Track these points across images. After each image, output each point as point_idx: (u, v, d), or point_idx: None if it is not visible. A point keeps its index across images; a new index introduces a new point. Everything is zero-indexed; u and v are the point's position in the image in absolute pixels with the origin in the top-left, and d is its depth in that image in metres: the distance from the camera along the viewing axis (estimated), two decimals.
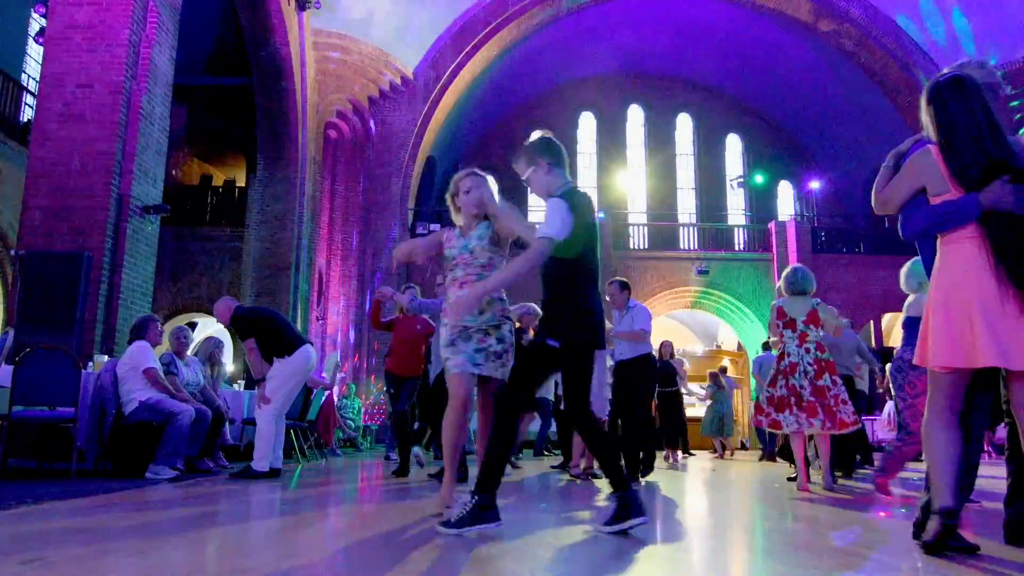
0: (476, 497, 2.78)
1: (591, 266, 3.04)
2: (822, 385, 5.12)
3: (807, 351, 5.21)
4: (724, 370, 12.73)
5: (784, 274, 5.68)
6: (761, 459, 7.91)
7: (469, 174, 3.58)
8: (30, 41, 15.29)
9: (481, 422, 3.42)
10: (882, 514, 3.93)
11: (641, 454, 6.19)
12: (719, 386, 11.41)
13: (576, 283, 2.98)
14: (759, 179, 22.09)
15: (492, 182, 3.62)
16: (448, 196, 3.63)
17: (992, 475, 6.45)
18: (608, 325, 6.20)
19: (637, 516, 2.78)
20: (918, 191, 2.56)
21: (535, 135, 3.26)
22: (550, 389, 7.91)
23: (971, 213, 2.40)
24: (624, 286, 6.37)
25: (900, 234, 2.61)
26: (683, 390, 10.17)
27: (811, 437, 5.68)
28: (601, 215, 20.77)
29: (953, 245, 2.47)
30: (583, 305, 2.96)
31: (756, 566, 2.46)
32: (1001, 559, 2.40)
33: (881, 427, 11.91)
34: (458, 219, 3.57)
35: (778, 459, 7.84)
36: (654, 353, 6.66)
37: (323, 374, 10.85)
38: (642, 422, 6.22)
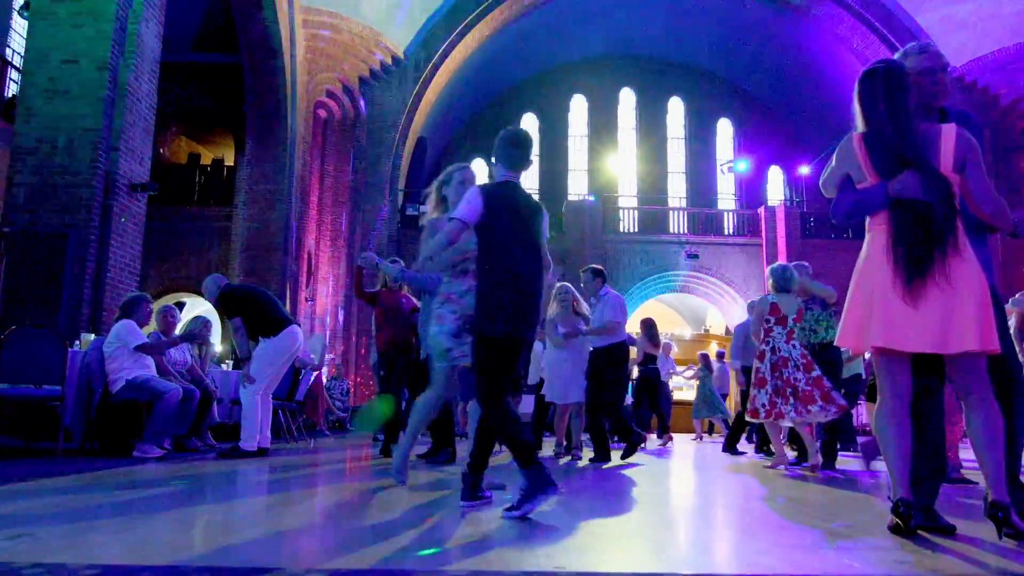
0: (524, 473, 2.78)
1: (509, 258, 2.99)
2: (816, 376, 5.32)
3: (794, 346, 5.42)
4: (721, 355, 12.72)
5: (773, 270, 5.77)
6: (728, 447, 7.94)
7: (461, 168, 3.80)
8: (14, 15, 15.04)
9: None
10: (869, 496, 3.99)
11: (618, 440, 6.22)
12: (708, 368, 11.45)
13: (491, 275, 3.00)
14: (742, 166, 22.09)
15: (468, 178, 3.83)
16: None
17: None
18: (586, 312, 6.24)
19: (546, 491, 2.74)
20: (845, 177, 2.63)
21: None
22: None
23: (879, 201, 2.49)
24: (597, 273, 6.27)
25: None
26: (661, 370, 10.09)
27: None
28: (592, 198, 20.78)
29: (873, 232, 2.56)
30: (494, 296, 2.96)
31: (743, 545, 2.49)
32: (976, 539, 2.44)
33: (870, 412, 11.99)
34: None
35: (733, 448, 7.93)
36: (628, 342, 6.62)
37: (310, 355, 10.84)
38: (612, 409, 6.22)
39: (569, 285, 6.29)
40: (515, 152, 3.20)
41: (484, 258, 3.04)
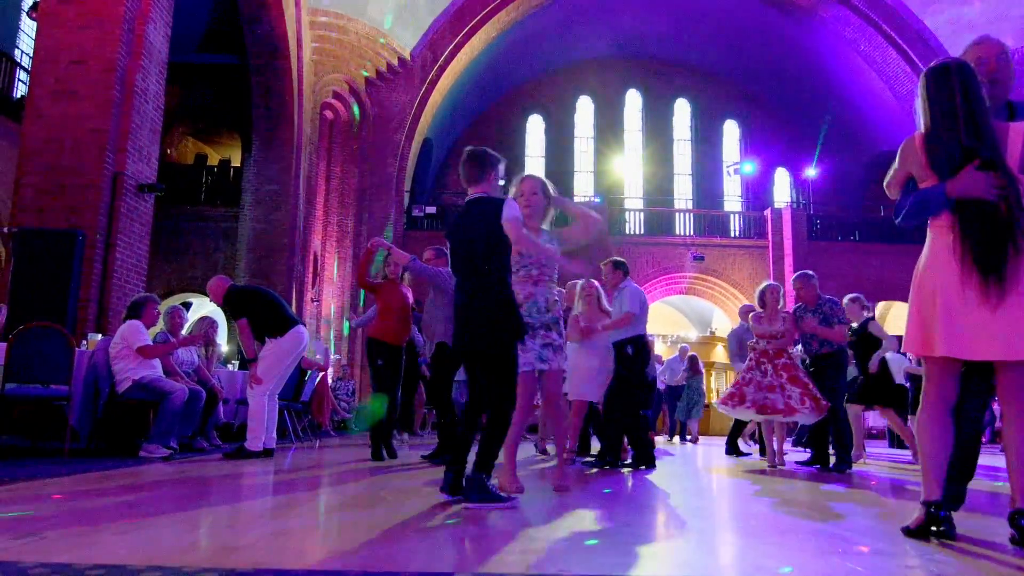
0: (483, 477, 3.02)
1: (455, 274, 3.42)
2: (803, 379, 5.75)
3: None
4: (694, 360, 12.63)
5: (764, 290, 6.20)
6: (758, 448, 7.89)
7: (526, 178, 3.86)
8: (23, 16, 15.12)
9: (544, 412, 3.87)
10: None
11: (628, 444, 5.93)
12: (695, 370, 11.40)
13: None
14: (748, 168, 22.02)
15: (550, 186, 3.88)
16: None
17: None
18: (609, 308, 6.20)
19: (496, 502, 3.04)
20: (908, 178, 2.56)
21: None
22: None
23: (940, 202, 2.40)
24: (617, 266, 6.16)
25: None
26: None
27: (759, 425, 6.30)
28: (597, 199, 20.76)
29: (934, 233, 2.48)
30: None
31: (746, 550, 2.49)
32: (984, 542, 2.43)
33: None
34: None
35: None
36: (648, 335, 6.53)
37: (317, 356, 10.85)
38: (625, 408, 5.80)
39: (595, 281, 6.21)
40: (462, 168, 3.47)
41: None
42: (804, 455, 7.06)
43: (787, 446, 6.08)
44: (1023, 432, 2.35)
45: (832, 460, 6.00)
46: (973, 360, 2.38)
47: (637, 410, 5.93)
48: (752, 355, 6.11)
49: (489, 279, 3.24)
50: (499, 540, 2.40)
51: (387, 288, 6.08)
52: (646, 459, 5.69)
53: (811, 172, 21.61)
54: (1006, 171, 2.33)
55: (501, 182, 3.54)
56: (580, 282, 6.06)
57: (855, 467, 6.24)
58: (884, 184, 2.69)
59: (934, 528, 2.40)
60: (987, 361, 2.41)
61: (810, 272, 6.34)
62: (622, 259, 6.32)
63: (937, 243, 2.44)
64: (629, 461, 5.77)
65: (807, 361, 6.17)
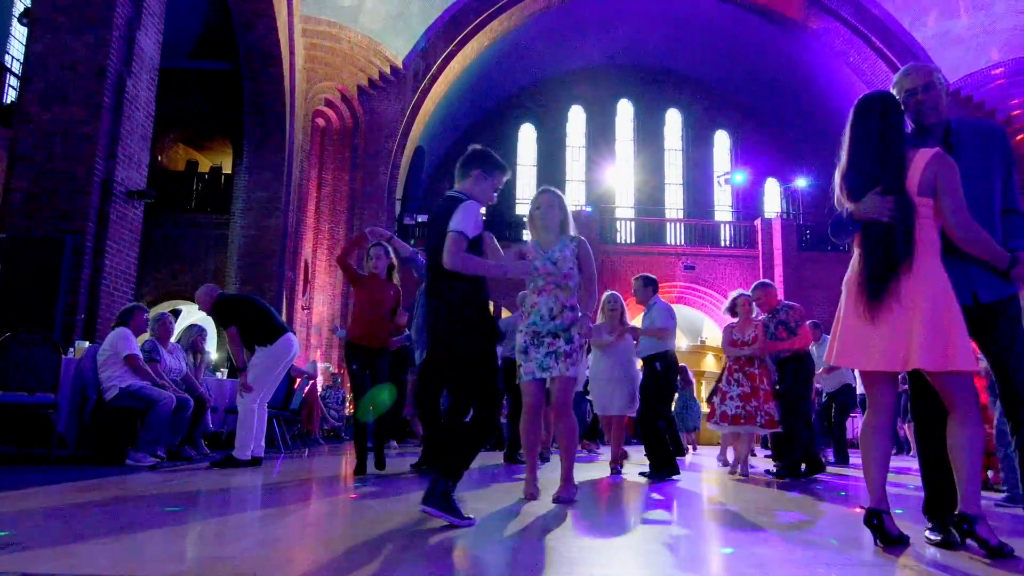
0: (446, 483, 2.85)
1: (427, 273, 3.37)
2: (768, 388, 5.99)
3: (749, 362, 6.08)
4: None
5: (736, 299, 6.36)
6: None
7: (545, 191, 3.95)
8: (14, 22, 15.06)
9: (525, 413, 3.88)
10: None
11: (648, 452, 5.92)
12: (686, 381, 11.41)
13: None
14: (739, 178, 22.13)
15: (565, 200, 4.00)
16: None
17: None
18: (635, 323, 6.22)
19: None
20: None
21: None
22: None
23: (847, 224, 2.64)
24: (647, 282, 6.11)
25: None
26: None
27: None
28: (589, 208, 20.81)
29: (855, 253, 2.69)
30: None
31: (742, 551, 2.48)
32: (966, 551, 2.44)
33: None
34: (535, 234, 3.98)
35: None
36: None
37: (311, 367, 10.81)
38: (650, 420, 5.72)
39: (618, 294, 6.25)
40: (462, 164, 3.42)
41: None
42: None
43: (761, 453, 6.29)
44: (961, 433, 2.46)
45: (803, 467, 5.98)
46: (868, 369, 2.56)
47: (656, 420, 5.89)
48: (727, 364, 6.24)
49: (454, 281, 3.11)
50: (489, 549, 2.38)
51: (369, 284, 5.53)
52: (669, 466, 5.61)
53: (801, 182, 21.73)
54: (901, 197, 2.50)
55: (495, 192, 3.40)
56: (606, 294, 6.15)
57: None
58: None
59: (875, 533, 2.50)
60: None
61: (767, 280, 6.57)
62: (652, 276, 6.32)
63: (853, 263, 2.66)
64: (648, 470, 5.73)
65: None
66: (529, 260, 3.72)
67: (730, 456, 7.10)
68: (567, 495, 3.69)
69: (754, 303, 6.27)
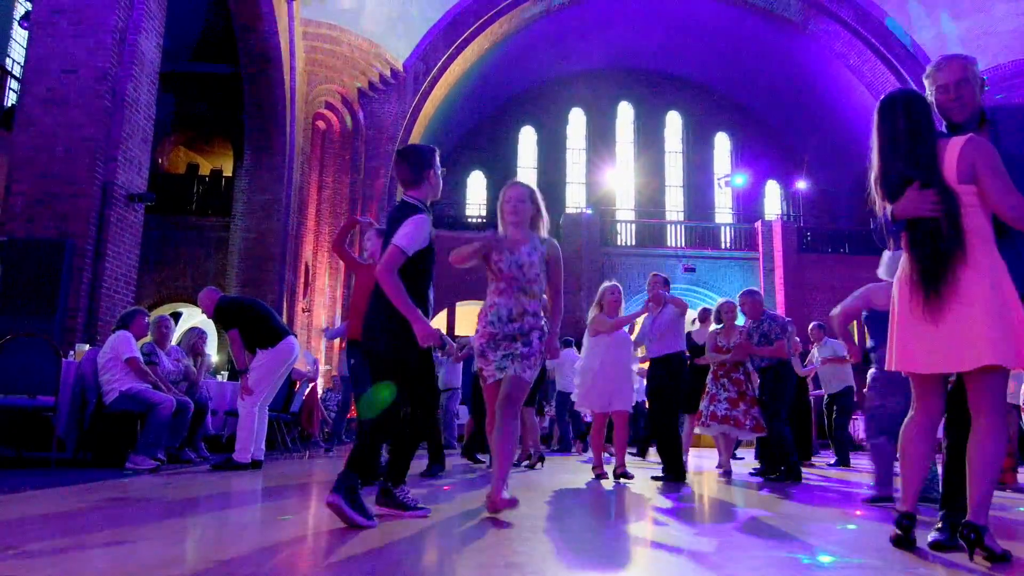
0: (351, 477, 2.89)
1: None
2: (751, 394, 6.15)
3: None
4: None
5: (720, 306, 6.56)
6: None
7: (514, 184, 3.62)
8: (15, 25, 15.08)
9: (489, 416, 3.55)
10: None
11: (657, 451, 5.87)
12: None
13: None
14: (739, 180, 22.15)
15: (539, 195, 3.60)
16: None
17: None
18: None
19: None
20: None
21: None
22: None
23: (891, 224, 2.52)
24: (666, 282, 6.25)
25: None
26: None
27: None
28: (589, 211, 20.82)
29: (902, 254, 2.58)
30: None
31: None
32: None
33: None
34: (503, 229, 3.55)
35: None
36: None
37: (308, 368, 10.80)
38: (664, 422, 5.74)
39: (618, 285, 6.19)
40: (395, 169, 3.45)
41: None
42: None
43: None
44: (984, 443, 2.39)
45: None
46: (931, 373, 2.46)
47: (673, 423, 5.92)
48: (712, 369, 6.40)
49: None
50: (488, 550, 2.38)
51: (370, 270, 4.87)
52: (675, 470, 5.61)
53: (801, 184, 21.75)
54: (942, 187, 2.41)
55: (441, 171, 3.39)
56: (606, 284, 6.10)
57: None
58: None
59: (902, 536, 2.47)
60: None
61: (755, 289, 6.59)
62: (666, 276, 6.43)
63: (903, 263, 2.56)
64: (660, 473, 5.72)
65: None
66: (470, 254, 3.49)
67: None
68: (500, 500, 3.32)
69: (740, 309, 6.35)
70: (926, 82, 2.72)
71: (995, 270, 2.35)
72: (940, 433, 2.72)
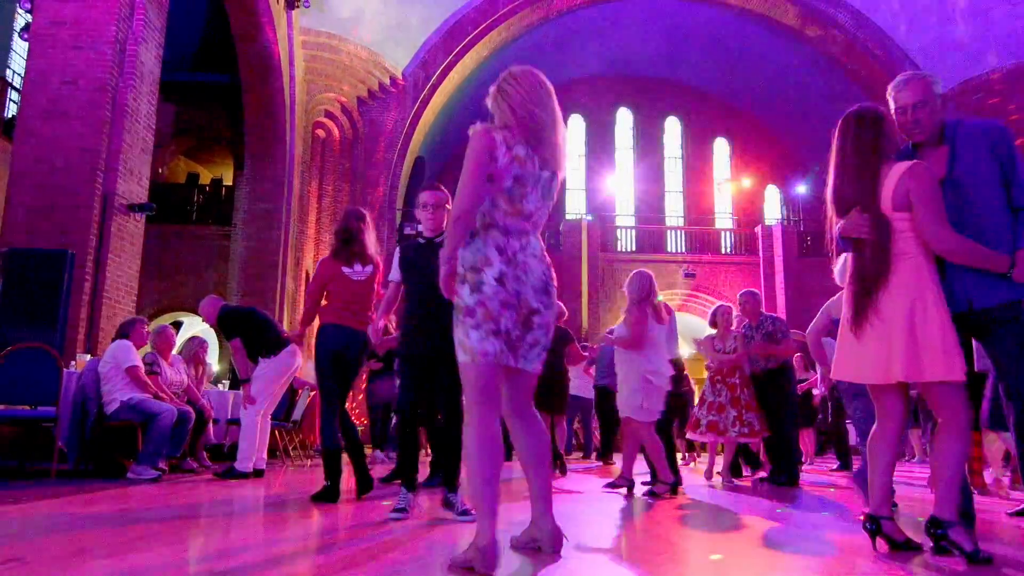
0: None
1: None
2: (746, 399, 6.05)
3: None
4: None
5: (716, 310, 6.47)
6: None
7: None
8: (15, 37, 15.13)
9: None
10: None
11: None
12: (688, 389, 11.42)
13: None
14: (739, 185, 22.16)
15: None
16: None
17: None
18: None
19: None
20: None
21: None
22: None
23: (837, 240, 2.70)
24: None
25: None
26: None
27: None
28: (589, 217, 20.83)
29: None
30: None
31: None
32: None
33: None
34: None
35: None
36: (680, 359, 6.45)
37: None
38: (665, 429, 5.60)
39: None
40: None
41: None
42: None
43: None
44: (947, 444, 2.48)
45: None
46: (861, 383, 2.66)
47: (669, 430, 5.87)
48: (708, 374, 6.36)
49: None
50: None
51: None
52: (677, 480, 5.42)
53: (801, 189, 21.76)
54: (876, 214, 2.54)
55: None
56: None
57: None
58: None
59: (875, 537, 2.54)
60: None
61: (754, 290, 6.61)
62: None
63: (849, 275, 2.71)
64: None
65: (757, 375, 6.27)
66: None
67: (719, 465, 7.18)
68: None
69: (739, 309, 6.36)
70: (888, 99, 2.77)
71: (913, 294, 2.46)
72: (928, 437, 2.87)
